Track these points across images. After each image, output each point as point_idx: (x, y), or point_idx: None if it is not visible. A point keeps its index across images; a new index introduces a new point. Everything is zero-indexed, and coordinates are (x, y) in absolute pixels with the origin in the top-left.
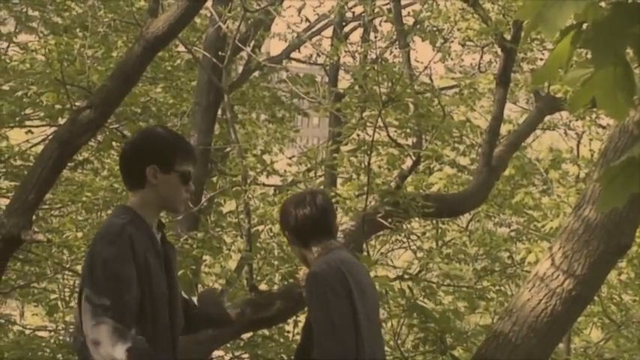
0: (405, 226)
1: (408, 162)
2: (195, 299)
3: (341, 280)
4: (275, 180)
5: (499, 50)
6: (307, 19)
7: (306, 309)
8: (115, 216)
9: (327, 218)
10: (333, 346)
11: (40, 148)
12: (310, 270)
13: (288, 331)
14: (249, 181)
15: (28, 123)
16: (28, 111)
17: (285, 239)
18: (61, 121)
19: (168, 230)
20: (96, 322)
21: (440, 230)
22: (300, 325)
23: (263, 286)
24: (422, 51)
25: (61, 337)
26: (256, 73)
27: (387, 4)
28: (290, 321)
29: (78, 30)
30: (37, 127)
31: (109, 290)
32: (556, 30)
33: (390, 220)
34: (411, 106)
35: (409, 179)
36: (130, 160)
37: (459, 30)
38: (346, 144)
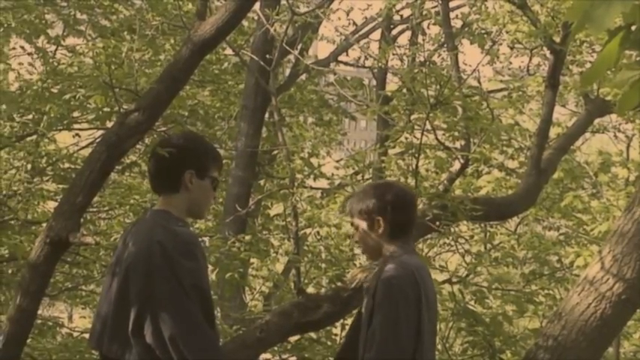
0: (453, 230)
1: (456, 165)
2: None
3: (414, 288)
4: (322, 183)
5: (548, 53)
6: (354, 23)
7: (353, 312)
8: (171, 223)
9: (416, 220)
10: (393, 351)
11: (88, 151)
12: (387, 273)
13: (336, 334)
14: (296, 184)
15: (76, 126)
16: (76, 114)
17: (332, 241)
18: (109, 124)
19: (216, 233)
20: (196, 333)
21: (488, 233)
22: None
23: (310, 289)
24: (470, 54)
25: None
26: (304, 76)
27: (435, 6)
28: (337, 324)
29: (125, 33)
30: (85, 130)
31: (194, 303)
32: (603, 29)
33: (438, 223)
34: (459, 109)
35: (457, 182)
36: (169, 163)
37: (507, 32)
38: (394, 147)
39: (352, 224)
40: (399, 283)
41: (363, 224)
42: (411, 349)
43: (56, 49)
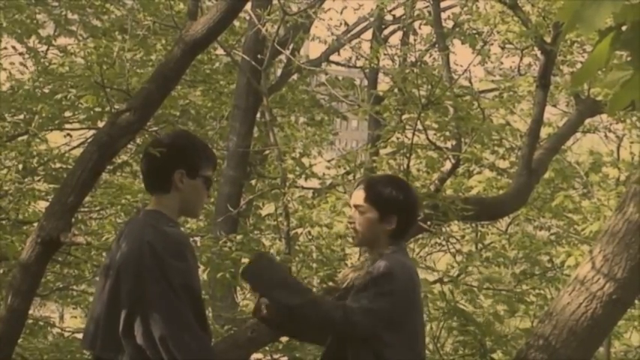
0: (444, 229)
1: (447, 165)
2: None
3: (410, 285)
4: (314, 183)
5: (539, 53)
6: (346, 23)
7: None
8: (162, 223)
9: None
10: (375, 316)
11: (80, 151)
12: (380, 264)
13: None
14: (287, 183)
15: (67, 126)
16: (67, 114)
17: (323, 241)
18: (101, 124)
19: (207, 233)
20: (186, 333)
21: (479, 233)
22: None
23: None
24: (461, 54)
25: None
26: (295, 76)
27: (426, 6)
28: None
29: (117, 33)
30: (77, 129)
31: (184, 303)
32: (594, 29)
33: (429, 223)
34: (451, 109)
35: (448, 182)
36: (160, 163)
37: (498, 33)
38: (385, 147)
39: (357, 206)
40: (399, 278)
41: (374, 213)
42: (383, 324)
43: (47, 49)
